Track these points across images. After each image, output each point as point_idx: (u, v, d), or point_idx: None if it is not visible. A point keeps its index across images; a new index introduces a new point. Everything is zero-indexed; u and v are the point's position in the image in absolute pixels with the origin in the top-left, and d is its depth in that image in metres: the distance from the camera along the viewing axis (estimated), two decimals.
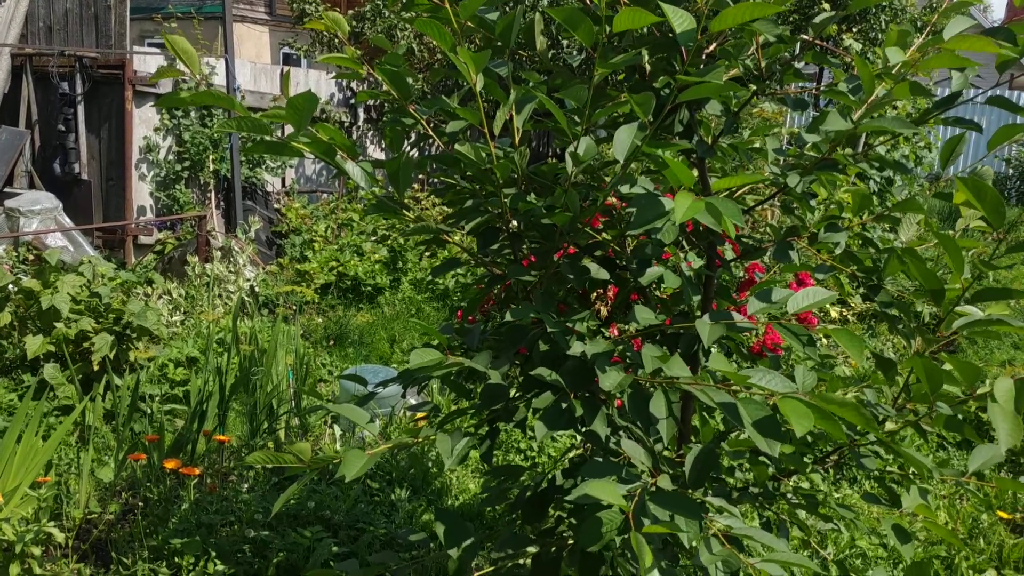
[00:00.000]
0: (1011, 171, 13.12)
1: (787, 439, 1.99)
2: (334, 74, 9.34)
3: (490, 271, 2.00)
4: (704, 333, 1.54)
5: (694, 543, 1.42)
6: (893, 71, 1.63)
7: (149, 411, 3.98)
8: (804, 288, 1.88)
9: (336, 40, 10.52)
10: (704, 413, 2.27)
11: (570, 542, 1.93)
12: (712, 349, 1.79)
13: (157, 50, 8.85)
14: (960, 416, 1.73)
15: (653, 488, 1.51)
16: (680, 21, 1.45)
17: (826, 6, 8.54)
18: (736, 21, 1.44)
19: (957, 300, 1.69)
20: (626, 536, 1.42)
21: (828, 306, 5.90)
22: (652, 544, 1.64)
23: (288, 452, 1.59)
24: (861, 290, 1.90)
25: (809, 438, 2.02)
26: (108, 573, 2.85)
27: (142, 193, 7.96)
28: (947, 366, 1.65)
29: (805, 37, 1.86)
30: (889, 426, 1.82)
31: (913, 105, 7.21)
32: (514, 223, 1.88)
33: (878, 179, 6.71)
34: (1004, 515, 3.42)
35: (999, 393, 1.50)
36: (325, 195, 9.33)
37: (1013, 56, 1.50)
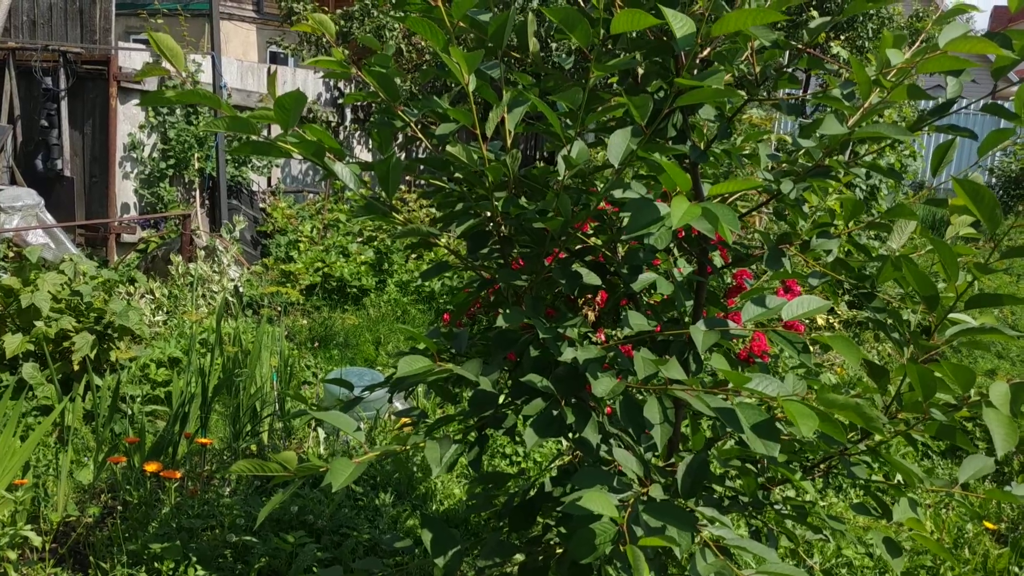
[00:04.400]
0: (994, 180, 13.19)
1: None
2: (322, 73, 9.28)
3: (479, 275, 1.97)
4: (699, 339, 1.52)
5: (686, 554, 1.40)
6: (890, 75, 1.62)
7: (130, 412, 3.92)
8: (792, 295, 1.87)
9: (324, 40, 10.47)
10: (695, 421, 2.25)
11: (558, 551, 1.90)
12: (703, 355, 1.77)
13: (143, 46, 8.75)
14: (951, 424, 1.72)
15: (644, 497, 1.49)
16: (680, 25, 1.43)
17: (814, 14, 8.58)
18: (736, 27, 1.43)
19: (951, 306, 1.68)
20: (615, 545, 1.39)
21: None
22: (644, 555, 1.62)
23: (274, 460, 1.55)
24: (847, 298, 1.89)
25: (796, 446, 2.01)
26: None
27: (126, 191, 7.88)
28: (939, 373, 1.63)
29: (798, 46, 1.85)
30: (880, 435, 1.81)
31: (899, 114, 7.23)
32: (504, 227, 1.86)
33: (864, 187, 6.73)
34: (989, 525, 3.42)
35: (995, 397, 1.49)
36: (311, 195, 9.26)
37: (1012, 60, 1.49)
